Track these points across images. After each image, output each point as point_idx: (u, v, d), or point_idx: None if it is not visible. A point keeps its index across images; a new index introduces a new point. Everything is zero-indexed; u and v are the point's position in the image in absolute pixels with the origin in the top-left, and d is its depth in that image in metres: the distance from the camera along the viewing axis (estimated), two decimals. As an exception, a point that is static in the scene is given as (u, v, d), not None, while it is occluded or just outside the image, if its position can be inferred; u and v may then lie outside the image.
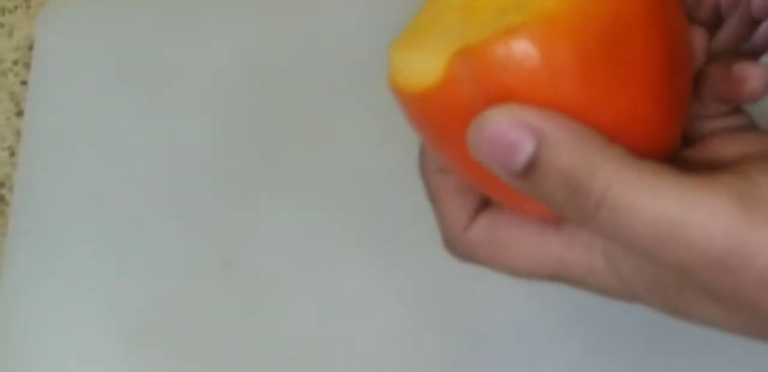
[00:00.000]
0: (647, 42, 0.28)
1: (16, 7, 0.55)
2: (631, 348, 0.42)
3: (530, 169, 0.27)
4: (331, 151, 0.49)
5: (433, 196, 0.33)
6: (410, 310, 0.45)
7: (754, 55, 0.34)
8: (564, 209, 0.27)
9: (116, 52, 0.52)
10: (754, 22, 0.33)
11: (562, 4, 0.27)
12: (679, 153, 0.31)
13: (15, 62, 0.54)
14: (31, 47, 0.54)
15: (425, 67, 0.30)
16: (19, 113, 0.53)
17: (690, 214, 0.26)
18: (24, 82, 0.53)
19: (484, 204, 0.33)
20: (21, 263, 0.48)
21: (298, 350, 0.45)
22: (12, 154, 0.52)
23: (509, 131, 0.26)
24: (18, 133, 0.52)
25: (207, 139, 0.50)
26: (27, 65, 0.54)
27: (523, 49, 0.27)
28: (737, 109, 0.32)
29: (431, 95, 0.29)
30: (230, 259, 0.47)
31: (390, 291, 0.45)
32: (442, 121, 0.30)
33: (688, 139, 0.32)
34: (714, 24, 0.34)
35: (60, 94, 0.51)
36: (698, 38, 0.30)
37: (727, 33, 0.33)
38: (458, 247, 0.33)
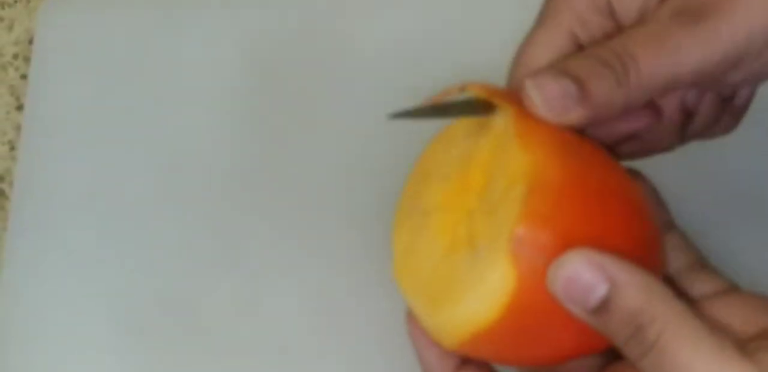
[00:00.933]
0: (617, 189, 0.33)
1: (16, 1, 0.55)
2: None
3: (602, 308, 0.30)
4: (333, 148, 0.49)
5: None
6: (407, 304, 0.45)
7: (736, 116, 0.38)
8: (626, 345, 0.31)
9: (117, 46, 0.52)
10: (724, 100, 0.38)
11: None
12: None
13: (15, 56, 0.54)
14: (31, 41, 0.54)
15: (472, 311, 0.32)
16: (19, 107, 0.53)
17: None
18: (24, 76, 0.53)
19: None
20: (21, 257, 0.48)
21: (297, 347, 0.45)
22: (12, 148, 0.52)
23: (586, 273, 0.30)
24: (18, 128, 0.52)
25: (207, 134, 0.50)
26: (27, 59, 0.53)
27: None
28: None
29: (505, 316, 0.31)
30: (231, 256, 0.47)
31: (391, 289, 0.45)
32: (529, 328, 0.32)
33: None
34: (686, 117, 0.37)
35: (60, 88, 0.51)
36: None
37: (702, 119, 0.37)
38: None
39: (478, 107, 0.34)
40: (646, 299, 0.30)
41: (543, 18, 0.36)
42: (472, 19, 0.51)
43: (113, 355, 0.45)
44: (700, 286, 0.35)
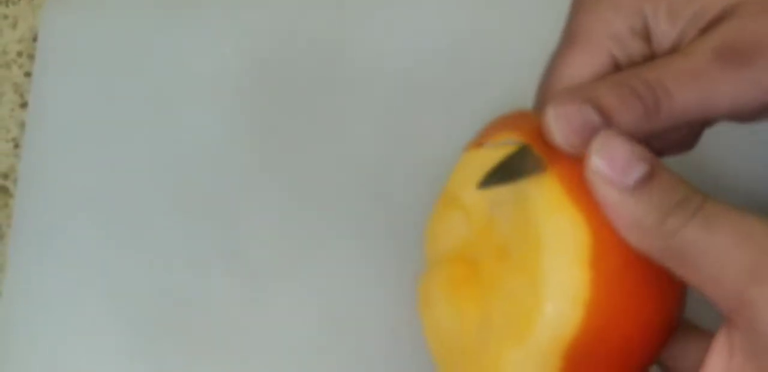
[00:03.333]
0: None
1: (20, -1, 0.55)
2: None
3: (645, 181, 0.30)
4: (335, 146, 0.49)
5: None
6: (414, 304, 0.45)
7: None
8: (670, 216, 0.30)
9: (120, 44, 0.52)
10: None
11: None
12: None
13: (19, 54, 0.54)
14: (35, 39, 0.54)
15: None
16: (23, 105, 0.53)
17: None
18: (28, 74, 0.53)
19: None
20: (25, 255, 0.48)
21: (301, 343, 0.45)
22: (16, 145, 0.52)
23: (625, 150, 0.30)
24: (22, 125, 0.52)
25: (210, 131, 0.50)
26: (31, 57, 0.54)
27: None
28: None
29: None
30: (234, 252, 0.47)
31: (394, 286, 0.46)
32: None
33: None
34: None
35: (64, 86, 0.51)
36: None
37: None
38: None
39: (530, 161, 0.33)
40: (682, 179, 0.31)
41: (574, 37, 0.35)
42: (477, 24, 0.51)
43: (117, 353, 0.46)
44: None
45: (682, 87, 0.32)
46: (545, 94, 0.35)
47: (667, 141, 0.35)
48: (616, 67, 0.34)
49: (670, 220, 0.30)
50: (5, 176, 0.52)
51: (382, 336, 0.45)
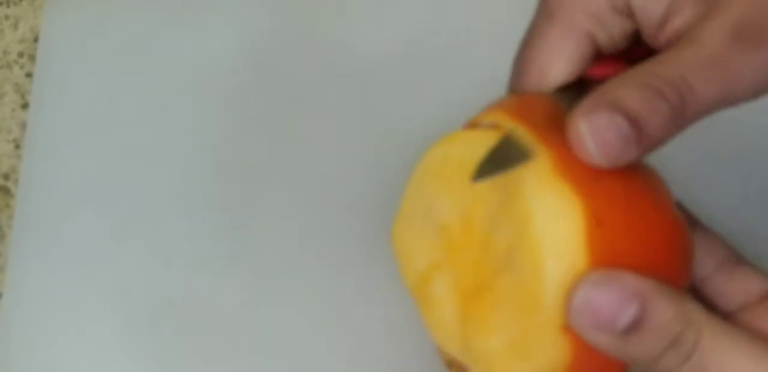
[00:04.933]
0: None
1: (21, 0, 0.55)
2: None
3: (635, 326, 0.29)
4: (336, 145, 0.49)
5: None
6: (414, 303, 0.45)
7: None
8: (661, 360, 0.29)
9: (121, 44, 0.52)
10: None
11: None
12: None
13: (20, 54, 0.54)
14: (36, 39, 0.54)
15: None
16: (25, 105, 0.53)
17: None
18: (29, 75, 0.53)
19: None
20: (26, 255, 0.48)
21: (301, 342, 0.45)
22: (17, 146, 0.52)
23: (611, 294, 0.29)
24: (23, 126, 0.52)
25: (212, 131, 0.50)
26: (32, 57, 0.54)
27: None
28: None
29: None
30: (237, 255, 0.47)
31: (394, 284, 0.45)
32: None
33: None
34: None
35: (65, 87, 0.51)
36: None
37: None
38: None
39: (517, 149, 0.31)
40: (679, 307, 0.29)
41: (548, 16, 0.33)
42: (474, 21, 0.51)
43: (118, 353, 0.46)
44: (733, 290, 0.33)
45: (704, 80, 0.30)
46: (521, 76, 0.33)
47: None
48: (596, 47, 0.33)
49: (664, 361, 0.29)
50: (6, 177, 0.52)
51: (383, 336, 0.45)
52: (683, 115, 0.30)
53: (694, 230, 0.34)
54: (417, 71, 0.50)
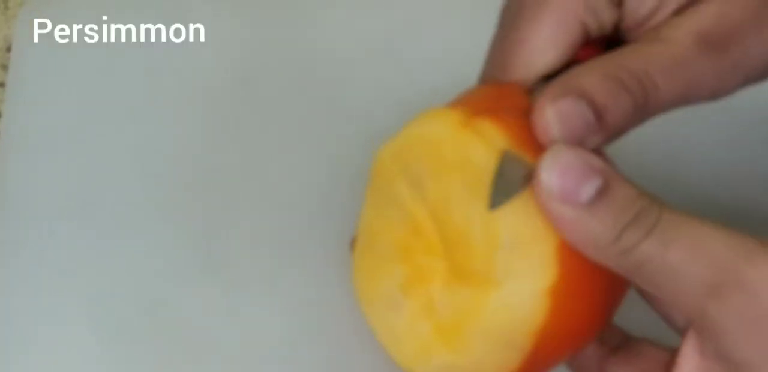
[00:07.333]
0: None
1: (-7, 9, 0.55)
2: None
3: (599, 196, 0.29)
4: (311, 153, 0.49)
5: None
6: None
7: None
8: (623, 233, 0.30)
9: (95, 54, 0.52)
10: None
11: None
12: None
13: (-8, 64, 0.54)
14: (8, 49, 0.54)
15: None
16: (-3, 115, 0.52)
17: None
18: (2, 84, 0.53)
19: None
20: (2, 265, 0.47)
21: (278, 352, 0.45)
22: (-11, 156, 0.51)
23: (577, 164, 0.29)
24: (-4, 135, 0.51)
25: (188, 138, 0.50)
26: (5, 67, 0.53)
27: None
28: None
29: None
30: (213, 262, 0.47)
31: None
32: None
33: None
34: None
35: (38, 96, 0.51)
36: None
37: None
38: None
39: (519, 168, 0.31)
40: (640, 189, 0.30)
41: (542, 2, 0.33)
42: (447, 25, 0.51)
43: (94, 362, 0.45)
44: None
45: (668, 79, 0.31)
46: (504, 57, 0.33)
47: None
48: (586, 36, 0.33)
49: (626, 236, 0.30)
50: (-22, 187, 0.51)
51: (359, 346, 0.45)
52: (644, 109, 0.31)
53: None
54: (390, 77, 0.50)
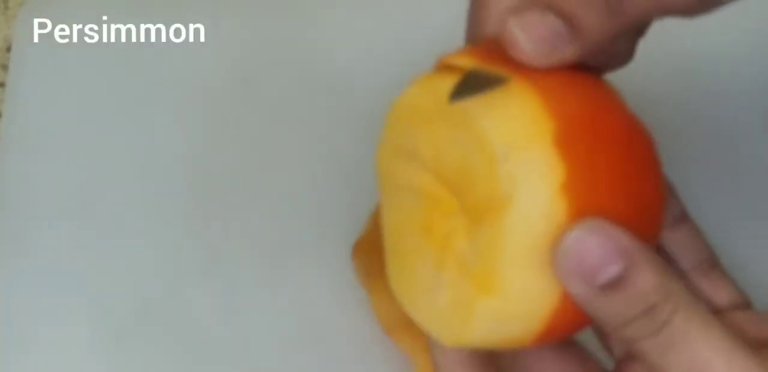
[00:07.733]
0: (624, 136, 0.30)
1: (-7, 9, 0.55)
2: None
3: (614, 285, 0.28)
4: (310, 155, 0.49)
5: None
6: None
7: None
8: (630, 325, 0.29)
9: (95, 54, 0.52)
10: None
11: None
12: None
13: (-8, 64, 0.54)
14: (8, 49, 0.53)
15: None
16: (-3, 115, 0.52)
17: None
18: (2, 84, 0.53)
19: None
20: (1, 264, 0.47)
21: (276, 352, 0.45)
22: (-11, 156, 0.51)
23: (600, 247, 0.28)
24: (-5, 136, 0.51)
25: (188, 138, 0.50)
26: (5, 67, 0.53)
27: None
28: None
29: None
30: (211, 263, 0.47)
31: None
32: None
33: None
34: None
35: (38, 96, 0.51)
36: None
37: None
38: None
39: (490, 76, 0.30)
40: (662, 280, 0.29)
41: None
42: (448, 29, 0.51)
43: (94, 362, 0.45)
44: (701, 294, 0.34)
45: None
46: (482, 15, 0.33)
47: (606, 55, 0.33)
48: None
49: (629, 329, 0.29)
50: (-22, 187, 0.51)
51: (357, 345, 0.45)
52: (619, 13, 0.30)
53: (683, 223, 0.34)
54: (390, 80, 0.50)
